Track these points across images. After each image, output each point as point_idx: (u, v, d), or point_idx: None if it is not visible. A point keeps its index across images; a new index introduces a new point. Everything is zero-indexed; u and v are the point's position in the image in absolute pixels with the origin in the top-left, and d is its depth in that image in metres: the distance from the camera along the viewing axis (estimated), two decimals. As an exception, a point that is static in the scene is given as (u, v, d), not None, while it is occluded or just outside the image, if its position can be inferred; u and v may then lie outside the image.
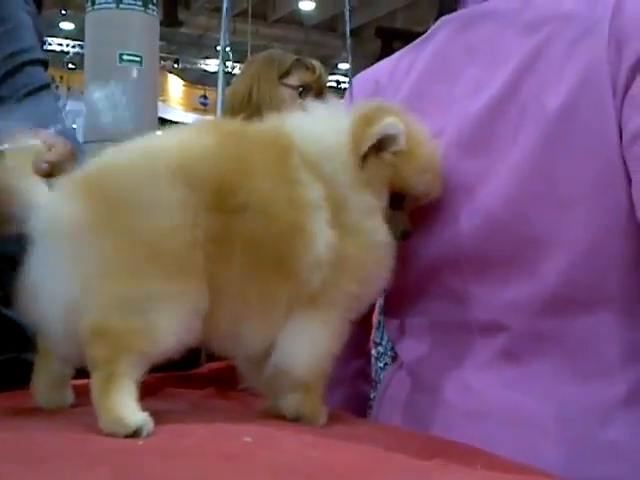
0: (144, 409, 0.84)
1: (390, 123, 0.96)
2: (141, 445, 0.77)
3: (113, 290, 0.84)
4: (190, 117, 17.36)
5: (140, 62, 8.17)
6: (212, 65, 18.35)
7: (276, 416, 0.97)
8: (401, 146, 0.97)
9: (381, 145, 0.97)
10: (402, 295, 1.13)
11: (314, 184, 0.94)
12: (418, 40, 1.22)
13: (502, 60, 1.07)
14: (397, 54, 1.26)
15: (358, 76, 1.33)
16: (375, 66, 1.29)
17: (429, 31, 1.21)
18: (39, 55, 1.38)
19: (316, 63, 2.75)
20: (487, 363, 1.05)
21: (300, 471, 0.71)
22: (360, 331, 1.27)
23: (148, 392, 1.07)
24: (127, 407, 0.82)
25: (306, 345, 0.96)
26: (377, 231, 0.97)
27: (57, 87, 15.35)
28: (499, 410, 1.02)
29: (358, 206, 0.96)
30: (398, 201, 1.01)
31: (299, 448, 0.82)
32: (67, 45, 16.55)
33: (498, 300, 1.04)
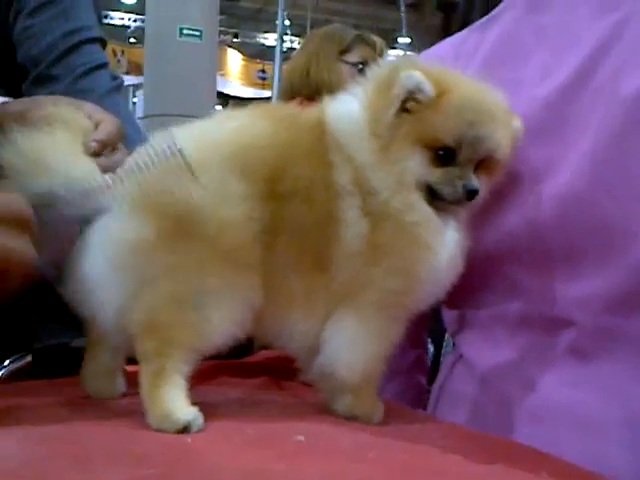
0: (196, 400, 0.82)
1: (407, 77, 0.87)
2: (189, 444, 0.74)
3: (168, 287, 0.82)
4: (249, 91, 17.41)
5: (200, 36, 8.21)
6: (271, 39, 18.28)
7: (331, 411, 0.94)
8: (428, 93, 0.87)
9: (405, 104, 0.88)
10: (462, 286, 1.07)
11: (344, 167, 0.88)
12: (484, 20, 1.17)
13: (574, 42, 1.01)
14: (462, 33, 1.20)
15: (422, 54, 1.28)
16: (439, 45, 1.24)
17: (495, 11, 1.15)
18: (96, 33, 1.36)
19: (377, 39, 2.69)
20: (553, 360, 1.00)
21: (353, 476, 0.68)
22: (416, 322, 1.23)
23: (201, 380, 1.06)
24: (176, 402, 0.80)
25: (347, 347, 0.90)
26: (406, 210, 0.87)
27: (119, 61, 15.52)
28: (565, 411, 0.97)
29: (381, 186, 0.87)
30: (448, 156, 0.89)
31: (354, 449, 0.78)
32: (129, 19, 16.67)
33: (565, 294, 0.98)
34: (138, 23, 16.11)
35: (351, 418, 0.92)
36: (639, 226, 0.92)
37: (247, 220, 0.84)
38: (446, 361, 1.21)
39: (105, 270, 0.83)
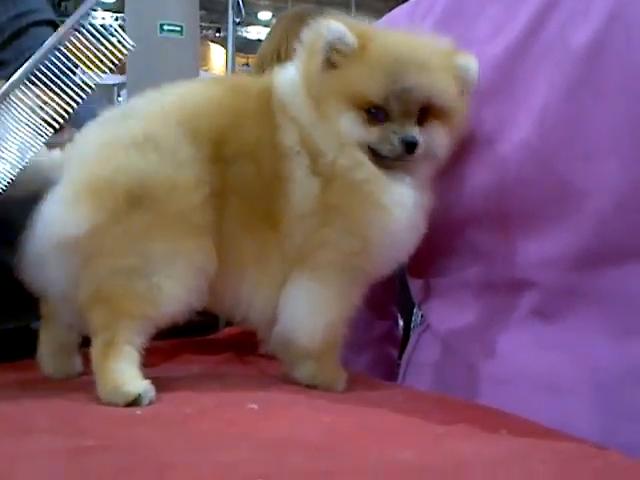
0: (156, 376, 0.80)
1: (328, 29, 0.85)
2: (138, 415, 0.73)
3: (115, 257, 0.80)
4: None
5: (181, 32, 8.19)
6: (254, 32, 18.26)
7: (293, 381, 0.92)
8: (350, 44, 0.85)
9: (331, 59, 0.86)
10: (426, 254, 1.05)
11: (290, 129, 0.87)
12: None
13: None
14: (415, -3, 1.18)
15: (377, 22, 1.26)
16: (395, 10, 1.22)
17: None
18: (47, 16, 1.34)
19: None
20: (516, 323, 0.99)
21: (303, 440, 0.66)
22: (383, 293, 1.21)
23: (164, 358, 1.05)
24: (126, 375, 0.78)
25: (305, 312, 0.89)
26: (354, 168, 0.86)
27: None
28: (530, 372, 0.96)
29: (326, 146, 0.86)
30: (381, 113, 0.86)
31: (308, 415, 0.77)
32: (109, 18, 16.59)
33: (525, 256, 0.97)
34: (119, 22, 16.03)
35: (313, 386, 0.90)
36: (594, 186, 0.91)
37: (197, 183, 0.83)
38: (414, 332, 1.20)
39: (52, 248, 0.81)
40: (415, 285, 1.15)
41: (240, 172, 0.85)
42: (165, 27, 8.08)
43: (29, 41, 1.27)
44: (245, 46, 19.40)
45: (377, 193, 0.86)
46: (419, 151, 0.87)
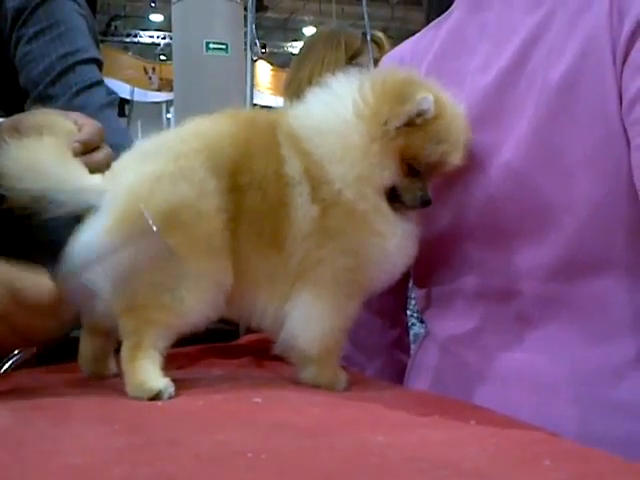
0: (180, 377, 0.93)
1: (424, 99, 0.96)
2: (158, 406, 0.86)
3: (147, 274, 0.92)
4: (280, 101, 17.48)
5: (226, 49, 8.34)
6: (298, 48, 18.41)
7: (302, 382, 1.03)
8: (430, 116, 0.97)
9: (410, 121, 0.97)
10: (426, 266, 1.17)
11: (294, 160, 0.98)
12: (440, 18, 1.27)
13: (511, 34, 1.10)
14: (420, 33, 1.30)
15: (387, 55, 1.39)
16: (401, 45, 1.34)
17: (448, 11, 1.25)
18: (92, 54, 1.49)
19: (380, 35, 2.71)
20: (505, 328, 1.09)
21: (293, 426, 0.78)
22: (394, 302, 1.34)
23: (190, 362, 1.17)
24: (150, 373, 0.91)
25: (304, 322, 1.00)
26: (359, 200, 0.97)
27: (150, 78, 15.78)
28: (515, 373, 1.06)
29: (338, 178, 0.97)
30: (414, 169, 1.01)
31: (304, 407, 0.89)
32: (157, 37, 16.96)
33: (511, 267, 1.08)
34: (167, 40, 16.33)
35: (317, 386, 1.01)
36: (570, 201, 1.02)
37: (218, 210, 0.95)
38: (419, 340, 1.31)
39: (93, 267, 0.92)
40: (418, 294, 1.27)
41: (250, 199, 0.97)
42: (211, 45, 8.23)
43: (75, 78, 1.42)
44: (290, 61, 19.63)
45: (376, 222, 0.99)
46: None
